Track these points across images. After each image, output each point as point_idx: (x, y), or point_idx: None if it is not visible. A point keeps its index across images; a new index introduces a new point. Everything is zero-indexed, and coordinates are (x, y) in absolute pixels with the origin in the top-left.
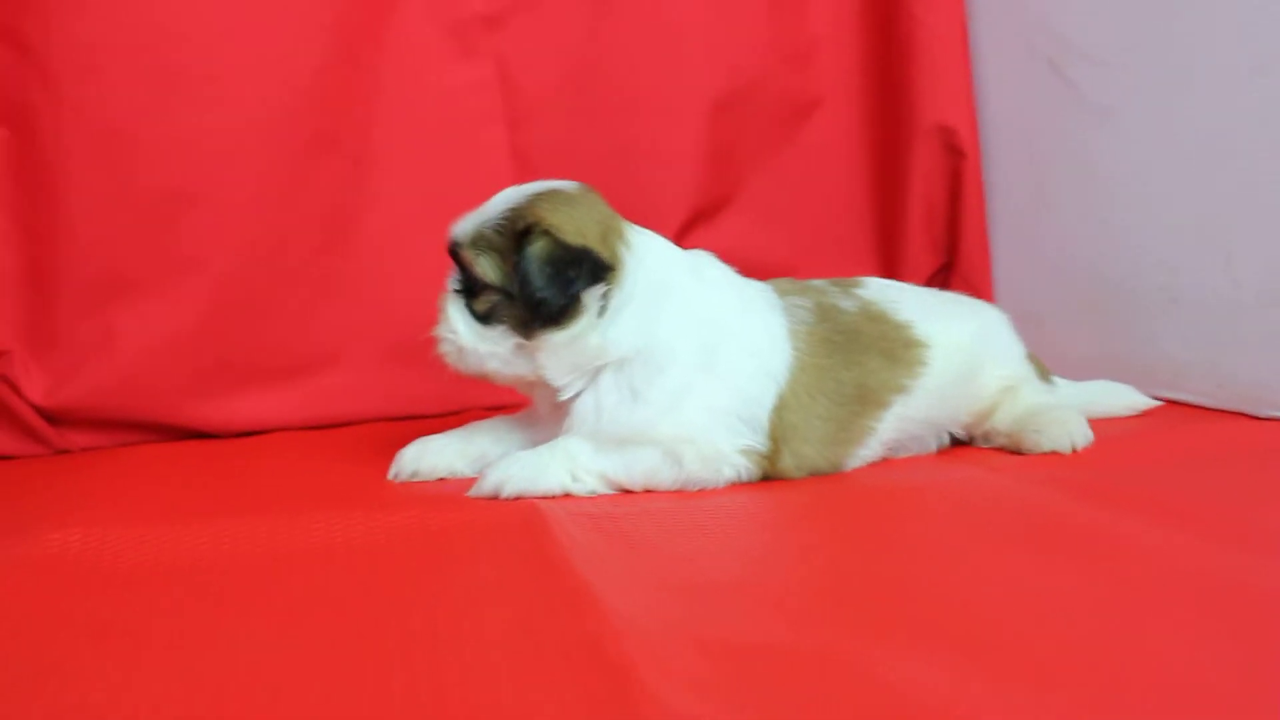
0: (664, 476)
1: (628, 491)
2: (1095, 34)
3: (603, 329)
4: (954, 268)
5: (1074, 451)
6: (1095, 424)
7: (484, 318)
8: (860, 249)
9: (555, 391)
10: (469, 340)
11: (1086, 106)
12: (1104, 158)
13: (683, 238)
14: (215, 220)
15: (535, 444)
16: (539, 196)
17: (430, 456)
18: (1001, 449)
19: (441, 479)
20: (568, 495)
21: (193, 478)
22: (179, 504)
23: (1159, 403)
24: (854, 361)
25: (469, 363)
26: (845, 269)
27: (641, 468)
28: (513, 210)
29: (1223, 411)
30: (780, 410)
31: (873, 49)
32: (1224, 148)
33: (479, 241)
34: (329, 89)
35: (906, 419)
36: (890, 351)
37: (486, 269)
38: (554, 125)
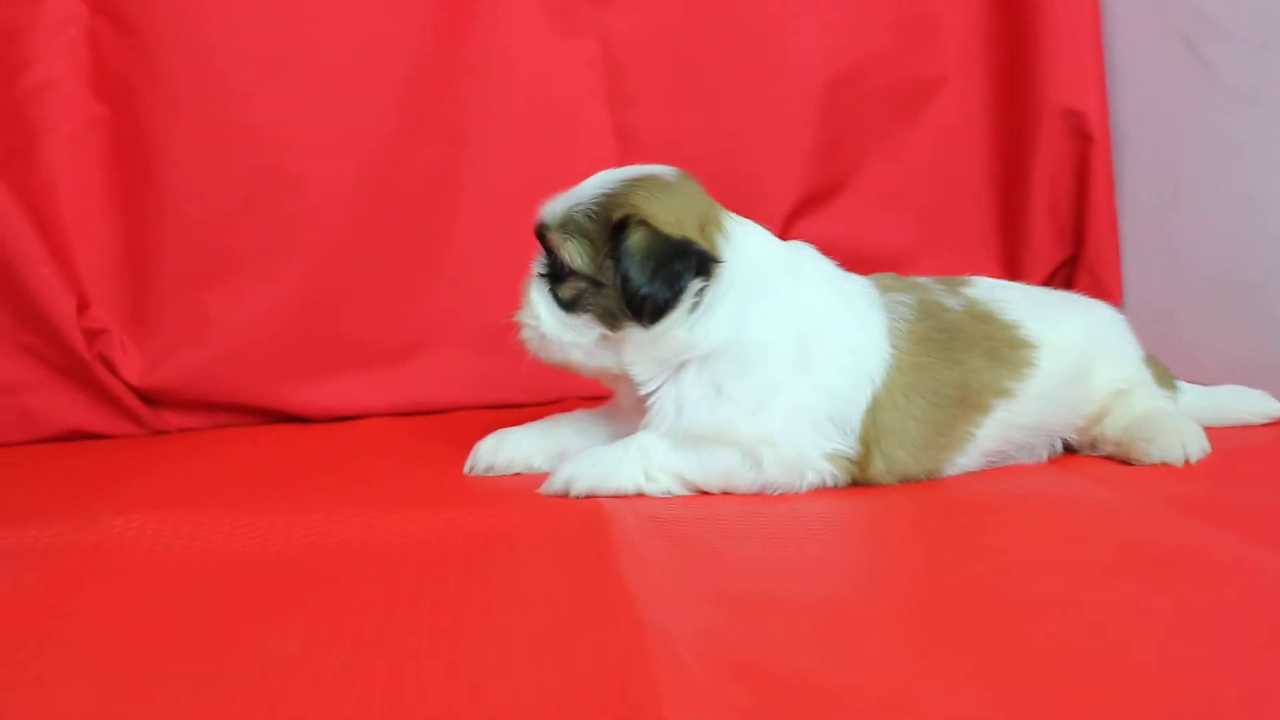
0: (741, 479)
1: (704, 493)
2: (1236, 10)
3: (692, 323)
4: (1080, 260)
5: (1187, 463)
6: (1221, 433)
7: (569, 305)
8: (981, 239)
9: (637, 385)
10: (552, 328)
11: (1225, 89)
12: (1244, 145)
13: (793, 223)
14: (313, 202)
15: (619, 438)
16: (634, 183)
17: (507, 450)
18: (1110, 457)
19: (518, 473)
20: (640, 495)
21: (274, 463)
22: (251, 491)
23: None
24: (955, 360)
25: (551, 351)
26: (965, 259)
27: (718, 469)
28: (606, 196)
29: None
30: (874, 411)
31: (996, 27)
32: None
33: (568, 225)
34: (430, 69)
35: (1011, 425)
36: (995, 351)
37: (574, 254)
38: (660, 106)
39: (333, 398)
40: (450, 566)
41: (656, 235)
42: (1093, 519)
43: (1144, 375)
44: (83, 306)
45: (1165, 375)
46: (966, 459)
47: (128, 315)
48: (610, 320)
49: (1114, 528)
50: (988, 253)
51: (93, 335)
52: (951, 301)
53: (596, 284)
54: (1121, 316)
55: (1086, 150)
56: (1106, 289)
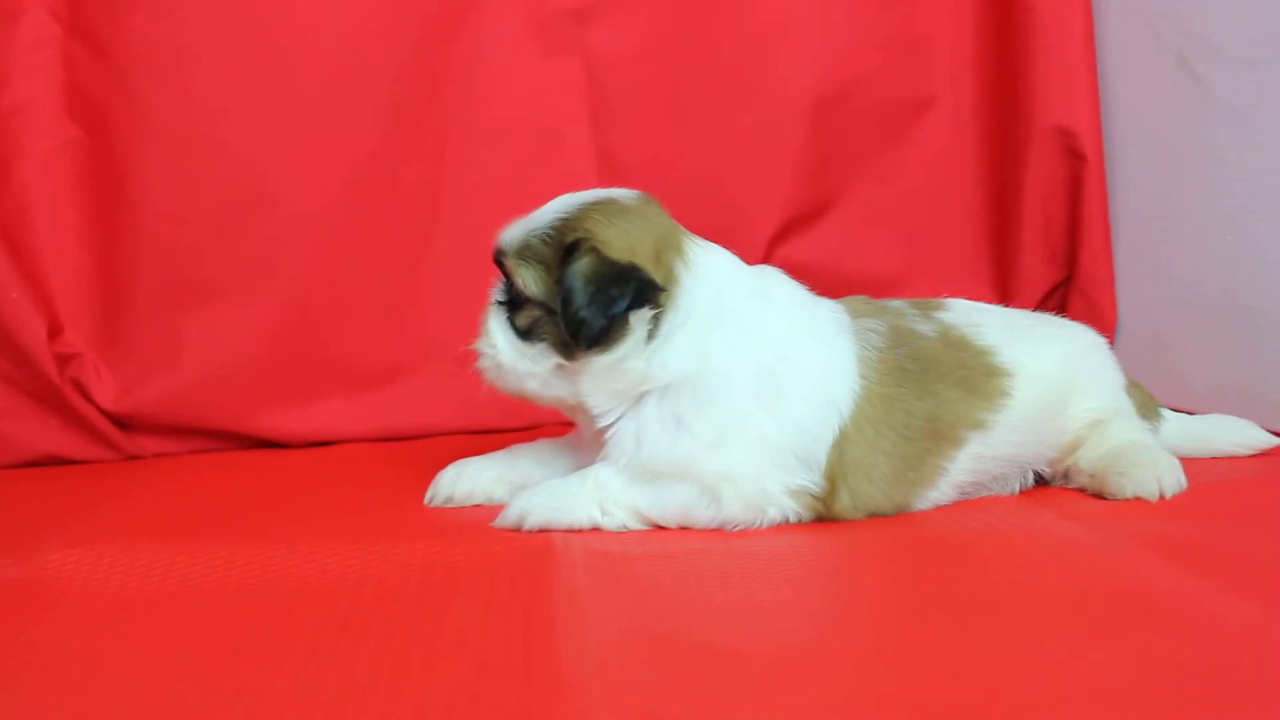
0: (699, 515)
1: (662, 528)
2: (1230, 27)
3: (649, 354)
4: (1073, 282)
5: (1162, 499)
6: (1203, 465)
7: (525, 333)
8: (972, 261)
9: (595, 417)
10: (508, 357)
11: (1220, 108)
12: (1238, 164)
13: (779, 244)
14: (290, 225)
15: (582, 469)
16: (592, 207)
17: (466, 481)
18: (1082, 490)
19: (478, 504)
20: (596, 529)
21: (242, 491)
22: (212, 521)
23: None
24: (928, 392)
25: (507, 381)
26: (956, 282)
27: (675, 504)
28: (562, 221)
29: None
30: (841, 445)
31: (987, 45)
32: None
33: (525, 251)
34: (409, 89)
35: (985, 458)
36: (969, 381)
37: (529, 281)
38: (644, 126)
39: (311, 423)
40: (380, 609)
41: (602, 260)
42: (1064, 560)
43: (1123, 405)
44: (55, 331)
45: (1149, 404)
46: (938, 493)
47: (101, 339)
48: (564, 349)
49: (1086, 571)
50: (979, 275)
51: (65, 360)
52: (924, 327)
53: (551, 311)
54: (1103, 342)
55: (1079, 170)
56: (1100, 312)
